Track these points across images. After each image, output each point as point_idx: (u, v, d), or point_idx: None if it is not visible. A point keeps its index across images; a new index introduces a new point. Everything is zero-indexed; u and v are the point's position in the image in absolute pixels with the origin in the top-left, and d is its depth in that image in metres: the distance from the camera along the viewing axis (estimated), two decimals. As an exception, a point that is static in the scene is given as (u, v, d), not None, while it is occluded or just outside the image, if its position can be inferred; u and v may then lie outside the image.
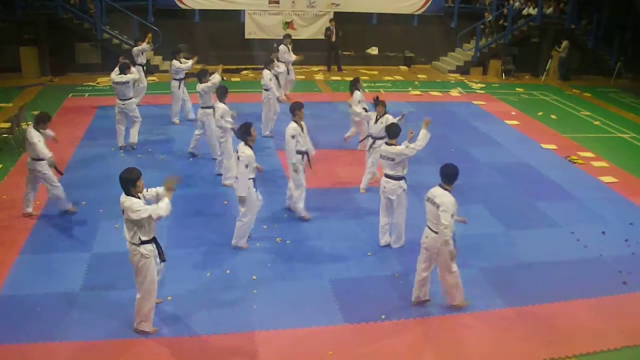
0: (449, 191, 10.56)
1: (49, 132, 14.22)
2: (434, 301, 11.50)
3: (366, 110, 17.16)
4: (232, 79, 27.61)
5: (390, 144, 12.83)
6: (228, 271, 12.21)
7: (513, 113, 24.71)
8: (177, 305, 10.92)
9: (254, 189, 12.83)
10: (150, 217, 9.57)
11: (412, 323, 10.92)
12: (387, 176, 12.95)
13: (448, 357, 10.12)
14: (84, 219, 14.13)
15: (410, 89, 27.65)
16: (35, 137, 13.56)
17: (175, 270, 11.81)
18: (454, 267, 10.89)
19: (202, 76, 17.35)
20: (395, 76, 30.69)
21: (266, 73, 20.03)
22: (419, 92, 27.36)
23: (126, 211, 9.62)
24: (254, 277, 12.02)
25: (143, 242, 9.84)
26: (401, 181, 12.90)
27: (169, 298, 11.10)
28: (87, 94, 24.55)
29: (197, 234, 13.47)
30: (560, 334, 10.79)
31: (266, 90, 19.91)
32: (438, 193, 10.56)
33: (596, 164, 19.21)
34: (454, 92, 27.93)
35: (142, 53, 23.08)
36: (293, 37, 28.61)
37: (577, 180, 17.70)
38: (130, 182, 9.67)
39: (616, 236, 14.41)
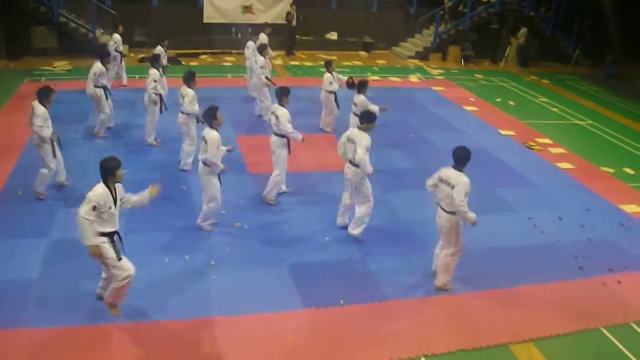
0: (463, 172, 10.84)
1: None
2: (390, 285, 11.57)
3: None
4: (191, 63, 27.44)
5: (361, 130, 12.69)
6: (186, 257, 12.12)
7: (472, 99, 24.84)
8: (135, 291, 10.78)
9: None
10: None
11: (370, 307, 10.94)
12: (350, 162, 12.85)
13: (405, 341, 10.13)
14: (42, 204, 13.94)
15: (369, 74, 27.61)
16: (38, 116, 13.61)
17: (133, 256, 11.64)
18: (456, 248, 11.17)
19: (154, 60, 17.31)
20: (355, 61, 30.67)
21: (260, 60, 19.96)
22: (378, 78, 27.38)
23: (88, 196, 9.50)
24: (213, 263, 11.95)
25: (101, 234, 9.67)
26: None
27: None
28: (43, 78, 24.16)
29: (155, 219, 13.36)
30: (517, 319, 10.87)
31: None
32: (453, 175, 10.81)
33: (553, 150, 19.37)
34: (413, 78, 27.99)
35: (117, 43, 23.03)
36: (251, 22, 28.62)
37: (534, 166, 17.83)
38: (109, 171, 9.52)
39: (572, 222, 14.55)
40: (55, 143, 13.99)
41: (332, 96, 19.05)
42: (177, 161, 16.38)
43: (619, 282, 12.17)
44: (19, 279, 11.10)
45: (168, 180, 15.29)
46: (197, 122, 15.91)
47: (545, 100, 25.78)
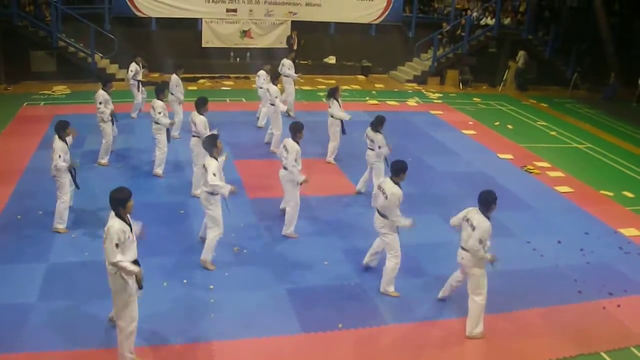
0: (488, 217, 10.82)
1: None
2: (389, 309, 11.56)
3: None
4: (189, 88, 27.44)
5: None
6: (185, 281, 12.10)
7: (470, 123, 24.87)
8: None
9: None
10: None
11: (369, 332, 10.92)
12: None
13: (405, 367, 10.13)
14: (40, 229, 13.90)
15: (367, 98, 27.69)
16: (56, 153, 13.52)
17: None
18: (482, 294, 10.97)
19: (160, 90, 17.17)
20: (353, 85, 30.73)
21: (273, 88, 19.61)
22: (376, 102, 27.44)
23: (107, 234, 9.14)
24: (211, 287, 11.93)
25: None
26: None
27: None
28: (42, 103, 24.25)
29: (153, 244, 13.30)
30: (516, 343, 10.87)
31: (272, 105, 19.58)
32: (476, 217, 10.78)
33: (552, 173, 19.37)
34: (412, 102, 28.03)
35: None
36: (250, 46, 28.66)
37: (533, 190, 17.83)
38: (120, 202, 9.28)
39: (571, 246, 14.54)
40: (74, 173, 13.96)
41: (339, 123, 18.62)
42: (188, 186, 16.37)
43: (619, 305, 12.15)
44: (17, 303, 11.06)
45: (165, 204, 15.30)
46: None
47: (544, 123, 25.81)
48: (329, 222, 14.78)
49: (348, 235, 14.39)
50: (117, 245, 9.02)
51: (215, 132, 12.92)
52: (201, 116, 15.52)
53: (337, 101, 18.62)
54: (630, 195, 18.09)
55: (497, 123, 25.14)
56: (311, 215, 15.34)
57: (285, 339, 10.58)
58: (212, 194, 12.32)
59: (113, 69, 29.15)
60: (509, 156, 20.72)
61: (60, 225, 13.93)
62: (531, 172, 19.39)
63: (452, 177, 18.00)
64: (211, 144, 12.38)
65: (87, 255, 12.74)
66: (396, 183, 11.75)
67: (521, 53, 32.08)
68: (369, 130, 15.93)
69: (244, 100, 25.71)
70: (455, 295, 11.91)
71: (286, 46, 30.90)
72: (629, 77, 31.56)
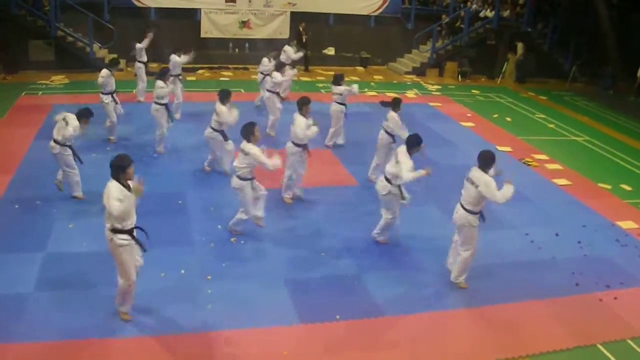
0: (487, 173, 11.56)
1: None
2: (386, 301, 11.56)
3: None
4: (188, 78, 27.42)
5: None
6: (182, 271, 12.09)
7: (469, 115, 24.87)
8: (131, 306, 10.80)
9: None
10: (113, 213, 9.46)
11: (366, 323, 10.92)
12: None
13: (401, 357, 10.13)
14: (38, 218, 13.88)
15: (366, 89, 27.60)
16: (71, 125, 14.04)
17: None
18: (470, 249, 11.91)
19: (163, 74, 17.62)
20: (352, 77, 30.64)
21: (277, 75, 19.98)
22: (375, 93, 27.38)
23: (105, 195, 9.52)
24: (209, 277, 11.93)
25: (116, 231, 9.71)
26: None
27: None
28: (40, 92, 24.22)
29: (151, 234, 13.25)
30: (513, 335, 10.89)
31: (270, 92, 19.99)
32: (477, 174, 11.56)
33: (550, 166, 19.39)
34: (410, 94, 28.01)
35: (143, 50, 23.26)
36: (249, 37, 28.66)
37: (531, 182, 17.83)
38: (120, 169, 9.58)
39: (569, 238, 14.55)
40: (73, 149, 14.43)
41: (343, 108, 19.08)
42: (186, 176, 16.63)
43: (616, 298, 12.18)
44: (14, 292, 11.05)
45: (164, 194, 15.29)
46: (226, 139, 16.30)
47: (542, 116, 25.82)
48: (326, 213, 14.78)
49: (346, 226, 14.39)
50: (119, 200, 9.38)
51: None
52: (223, 107, 15.95)
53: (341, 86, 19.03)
54: (628, 188, 18.11)
55: (495, 115, 25.14)
56: (308, 206, 15.34)
57: (282, 329, 10.58)
58: (243, 179, 12.85)
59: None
60: (508, 148, 20.72)
61: (78, 192, 14.60)
62: (529, 165, 19.41)
63: (450, 169, 17.92)
64: (249, 132, 12.82)
65: (85, 245, 12.71)
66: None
67: (520, 45, 32.07)
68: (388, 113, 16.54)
69: (242, 90, 25.63)
70: (453, 288, 12.02)
71: (286, 37, 30.85)
72: (628, 70, 31.56)
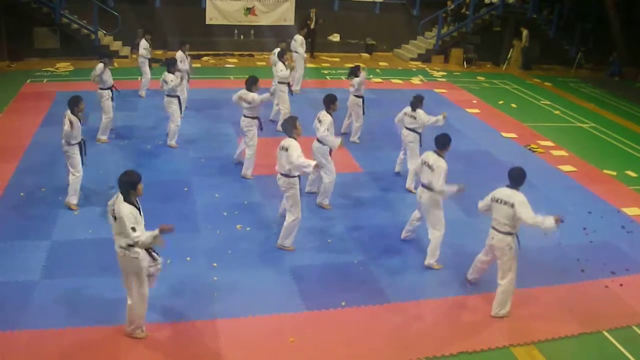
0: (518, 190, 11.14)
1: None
2: (392, 287, 11.59)
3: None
4: (193, 65, 27.36)
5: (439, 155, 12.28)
6: (188, 258, 12.13)
7: (474, 101, 24.84)
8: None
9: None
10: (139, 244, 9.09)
11: (372, 309, 10.94)
12: (424, 186, 12.33)
13: (407, 343, 10.14)
14: (44, 206, 13.92)
15: (371, 76, 27.49)
16: (67, 122, 13.46)
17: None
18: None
19: (170, 64, 17.43)
20: (357, 63, 30.51)
21: (280, 66, 19.65)
22: (380, 80, 27.37)
23: (119, 219, 9.11)
24: (215, 265, 11.97)
25: (130, 246, 9.33)
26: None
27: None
28: (45, 80, 24.23)
29: (157, 221, 13.29)
30: (519, 321, 10.89)
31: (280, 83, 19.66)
32: (509, 193, 11.07)
33: (556, 152, 19.37)
34: (416, 80, 27.95)
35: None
36: (254, 24, 28.60)
37: (536, 168, 17.78)
38: (130, 185, 9.18)
39: (575, 225, 14.51)
40: (83, 147, 13.96)
41: (360, 101, 18.77)
42: (192, 163, 16.55)
43: (621, 284, 12.19)
44: (20, 280, 11.08)
45: (169, 181, 15.30)
46: (261, 128, 16.13)
47: (548, 102, 25.78)
48: (333, 200, 14.75)
49: (352, 213, 14.42)
50: (133, 229, 8.97)
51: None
52: (252, 93, 15.73)
53: (358, 78, 18.70)
54: (633, 174, 18.08)
55: (501, 102, 25.11)
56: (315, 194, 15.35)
57: (288, 316, 10.61)
58: (291, 176, 12.32)
59: (116, 45, 29.09)
60: (513, 135, 20.70)
61: (74, 200, 13.97)
62: (535, 151, 19.38)
63: (456, 156, 17.85)
64: (291, 125, 12.42)
65: (91, 232, 12.76)
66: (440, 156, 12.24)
67: (525, 32, 31.99)
68: (408, 110, 16.03)
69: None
70: (460, 274, 12.02)
71: (291, 24, 30.82)
72: (633, 57, 31.49)
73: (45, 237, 12.63)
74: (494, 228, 11.06)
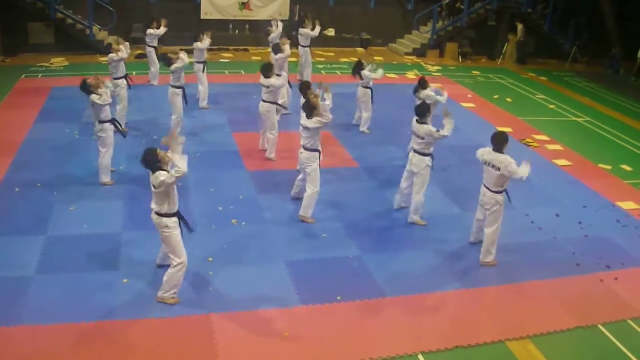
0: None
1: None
2: (387, 281, 11.59)
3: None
4: (188, 60, 27.30)
5: (421, 123, 13.36)
6: (183, 253, 12.09)
7: (469, 95, 24.82)
8: (132, 287, 10.83)
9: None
10: (176, 179, 9.81)
11: (367, 304, 10.94)
12: (415, 151, 13.53)
13: (402, 337, 10.14)
14: (38, 201, 13.87)
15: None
16: (96, 97, 13.91)
17: (131, 252, 11.73)
18: (497, 224, 12.22)
19: (166, 60, 17.41)
20: (352, 58, 30.40)
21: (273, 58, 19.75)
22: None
23: (159, 185, 9.79)
24: (210, 259, 11.95)
25: (167, 215, 10.08)
26: (427, 157, 13.43)
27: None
28: (40, 75, 24.17)
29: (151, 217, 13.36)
30: (514, 315, 10.91)
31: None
32: (495, 157, 12.05)
33: (551, 147, 19.38)
34: (411, 74, 27.88)
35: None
36: (249, 18, 28.53)
37: (532, 162, 17.73)
38: (154, 161, 9.87)
39: (570, 218, 14.57)
40: (117, 123, 14.71)
41: (369, 92, 18.96)
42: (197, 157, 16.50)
43: (616, 278, 12.20)
44: (15, 275, 11.06)
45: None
46: (278, 112, 16.63)
47: (543, 97, 25.77)
48: (328, 194, 14.71)
49: (347, 207, 14.40)
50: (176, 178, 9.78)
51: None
52: (271, 79, 15.96)
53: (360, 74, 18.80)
54: (628, 168, 18.11)
55: (496, 96, 25.10)
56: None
57: (283, 311, 10.61)
58: (312, 150, 13.13)
59: (111, 40, 28.93)
60: (508, 129, 20.62)
61: (106, 178, 14.54)
62: (530, 145, 19.39)
63: (450, 150, 17.93)
64: (306, 88, 13.95)
65: (86, 227, 12.74)
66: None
67: (520, 26, 32.00)
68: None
69: (242, 72, 25.66)
70: (455, 268, 12.04)
71: (286, 19, 30.72)
72: (628, 51, 31.51)
73: (40, 233, 12.58)
74: (484, 186, 12.20)
